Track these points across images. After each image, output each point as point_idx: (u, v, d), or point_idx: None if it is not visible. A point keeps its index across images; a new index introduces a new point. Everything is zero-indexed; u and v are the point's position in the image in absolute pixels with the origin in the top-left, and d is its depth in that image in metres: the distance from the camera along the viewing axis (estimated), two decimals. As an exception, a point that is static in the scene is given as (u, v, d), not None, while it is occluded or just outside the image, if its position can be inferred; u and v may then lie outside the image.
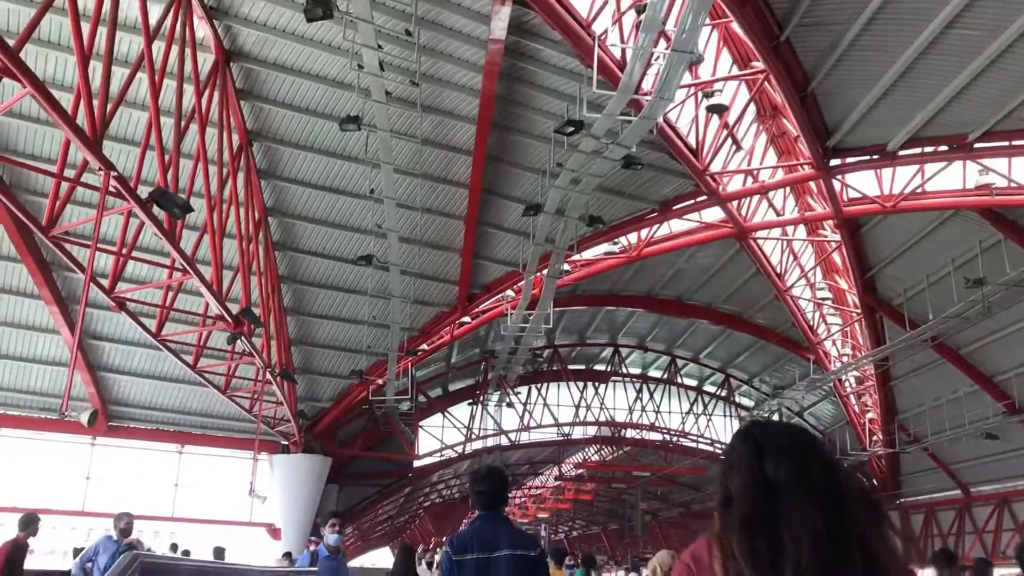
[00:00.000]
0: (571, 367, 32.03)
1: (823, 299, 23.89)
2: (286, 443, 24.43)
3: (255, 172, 16.63)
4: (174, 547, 13.61)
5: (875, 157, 16.48)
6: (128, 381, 22.15)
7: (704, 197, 18.81)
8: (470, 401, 31.14)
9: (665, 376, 33.04)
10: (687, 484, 40.05)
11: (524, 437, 32.08)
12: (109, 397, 22.38)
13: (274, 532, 24.84)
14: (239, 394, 18.74)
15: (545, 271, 19.41)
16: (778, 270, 23.05)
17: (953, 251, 19.38)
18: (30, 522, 9.64)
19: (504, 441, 31.79)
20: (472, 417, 30.85)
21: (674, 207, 19.42)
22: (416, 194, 18.00)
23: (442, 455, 30.56)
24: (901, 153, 16.32)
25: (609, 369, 32.51)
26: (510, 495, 48.54)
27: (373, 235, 18.55)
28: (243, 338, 13.45)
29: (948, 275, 19.54)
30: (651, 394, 33.23)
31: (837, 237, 20.86)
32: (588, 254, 21.89)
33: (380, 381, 23.26)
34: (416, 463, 30.19)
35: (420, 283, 20.76)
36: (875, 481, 32.54)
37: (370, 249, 18.44)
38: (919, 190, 17.80)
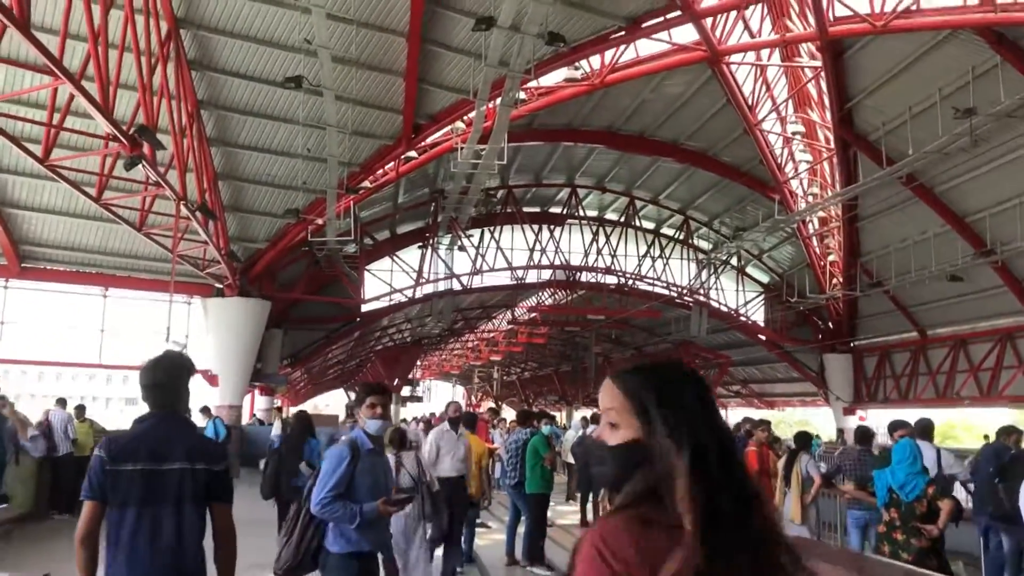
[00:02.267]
0: (526, 209, 30.52)
1: (795, 133, 22.38)
2: (221, 287, 22.84)
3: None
4: (61, 402, 12.28)
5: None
6: (39, 218, 20.13)
7: (677, 13, 16.79)
8: (420, 244, 29.65)
9: (622, 219, 31.74)
10: (640, 327, 39.69)
11: (477, 281, 30.87)
12: (20, 236, 20.41)
13: (211, 379, 23.66)
14: (158, 231, 16.90)
15: (499, 100, 17.49)
16: (749, 101, 21.35)
17: (942, 80, 17.83)
18: None
19: (456, 285, 30.58)
20: (422, 260, 29.47)
21: (643, 24, 17.31)
22: (350, 4, 15.71)
23: (391, 299, 29.33)
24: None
25: (565, 211, 31.07)
26: (460, 338, 48.52)
27: (303, 53, 16.36)
28: (145, 164, 11.54)
29: (934, 106, 18.07)
30: (607, 237, 32.03)
31: (816, 63, 19.09)
32: (546, 81, 19.89)
33: (320, 221, 21.55)
34: (364, 307, 28.97)
35: (359, 112, 18.72)
36: (831, 324, 32.35)
37: (300, 70, 16.30)
38: (914, 7, 15.99)
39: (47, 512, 12.42)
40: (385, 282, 28.97)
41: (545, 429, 10.25)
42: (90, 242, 21.17)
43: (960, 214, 22.12)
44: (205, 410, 15.30)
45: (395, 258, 28.95)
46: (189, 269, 21.25)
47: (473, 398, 68.78)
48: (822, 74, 19.88)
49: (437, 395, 79.71)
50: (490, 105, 18.53)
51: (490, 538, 11.29)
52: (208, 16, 15.84)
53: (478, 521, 10.99)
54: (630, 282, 32.11)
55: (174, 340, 16.15)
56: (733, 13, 18.23)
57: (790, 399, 40.13)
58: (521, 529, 9.87)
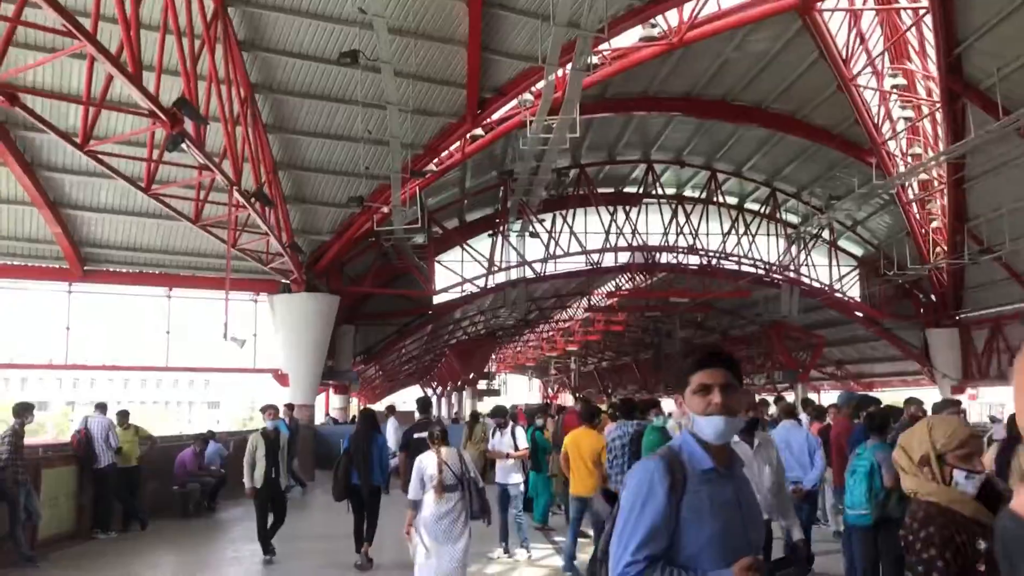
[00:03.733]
0: (599, 190, 28.99)
1: (894, 87, 20.33)
2: (287, 282, 21.98)
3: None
4: (101, 407, 11.15)
5: None
6: (99, 219, 19.51)
7: (764, -46, 15.09)
8: (490, 232, 28.42)
9: (703, 195, 29.93)
10: (725, 309, 37.74)
11: (550, 268, 29.53)
12: (80, 238, 19.83)
13: (281, 378, 22.89)
14: (215, 222, 15.97)
15: (569, 65, 16.07)
16: (843, 54, 19.43)
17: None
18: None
19: (528, 273, 29.26)
20: (493, 249, 28.24)
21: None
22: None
23: (463, 290, 28.20)
24: None
25: (641, 191, 29.44)
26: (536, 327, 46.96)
27: (358, 25, 15.26)
28: (189, 144, 10.51)
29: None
30: (687, 216, 30.28)
31: (920, 3, 17.10)
32: (620, 43, 18.38)
33: (385, 209, 20.49)
34: (435, 300, 27.93)
35: (420, 88, 17.56)
36: (933, 297, 30.02)
37: (355, 44, 15.19)
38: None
39: (89, 531, 11.15)
40: (456, 273, 27.85)
41: (657, 421, 8.87)
42: (151, 242, 20.50)
43: (1088, 167, 19.79)
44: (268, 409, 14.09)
45: (465, 247, 27.74)
46: (254, 265, 20.41)
47: (550, 390, 67.51)
48: (926, 17, 17.85)
49: (512, 389, 78.69)
50: (560, 73, 17.18)
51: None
52: (255, -10, 14.84)
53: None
54: (714, 261, 30.31)
55: (232, 337, 15.17)
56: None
57: (890, 379, 37.60)
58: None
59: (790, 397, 39.77)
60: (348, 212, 20.51)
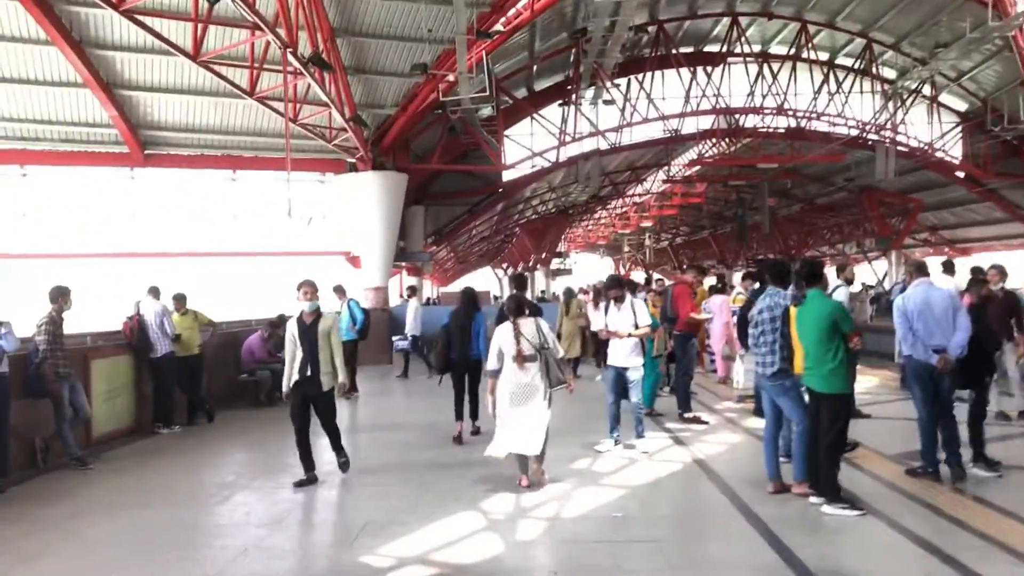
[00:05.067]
0: (679, 50, 26.84)
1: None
2: (353, 161, 20.99)
3: None
4: (154, 291, 10.24)
5: None
6: (156, 99, 18.68)
7: None
8: (561, 101, 26.75)
9: (791, 51, 27.54)
10: (814, 176, 35.57)
11: (625, 138, 27.85)
12: (138, 120, 19.08)
13: (353, 260, 22.24)
14: (272, 96, 14.90)
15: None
16: None
17: None
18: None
19: (602, 144, 27.66)
20: (564, 120, 26.63)
21: None
22: None
23: (533, 165, 26.84)
24: None
25: (724, 49, 27.17)
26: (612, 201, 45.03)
27: None
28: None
29: None
30: (774, 75, 27.98)
31: None
32: None
33: (451, 77, 19.08)
34: (505, 176, 26.70)
35: (486, -64, 15.86)
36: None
37: None
38: None
39: (151, 426, 10.32)
40: (525, 147, 26.44)
41: (841, 293, 7.43)
42: (211, 121, 19.65)
43: None
44: (339, 290, 13.28)
45: (536, 117, 26.19)
46: (318, 143, 19.50)
47: (623, 268, 66.37)
48: None
49: (584, 267, 77.76)
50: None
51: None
52: None
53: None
54: (803, 123, 28.17)
55: (300, 215, 14.31)
56: None
57: (991, 243, 35.28)
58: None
59: (882, 265, 37.96)
60: (412, 82, 19.23)
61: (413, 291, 19.29)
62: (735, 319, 10.17)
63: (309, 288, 7.31)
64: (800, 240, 44.38)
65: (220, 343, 12.63)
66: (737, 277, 24.63)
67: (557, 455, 7.65)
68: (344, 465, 7.63)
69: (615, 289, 8.45)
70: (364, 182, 20.86)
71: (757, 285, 9.65)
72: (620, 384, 8.39)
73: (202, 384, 11.19)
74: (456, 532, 5.78)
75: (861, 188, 33.50)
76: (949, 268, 10.65)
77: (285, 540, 5.90)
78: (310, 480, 7.29)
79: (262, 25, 10.99)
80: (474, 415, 9.48)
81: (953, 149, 29.55)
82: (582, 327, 14.02)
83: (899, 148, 28.36)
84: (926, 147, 28.85)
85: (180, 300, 10.90)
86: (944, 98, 29.26)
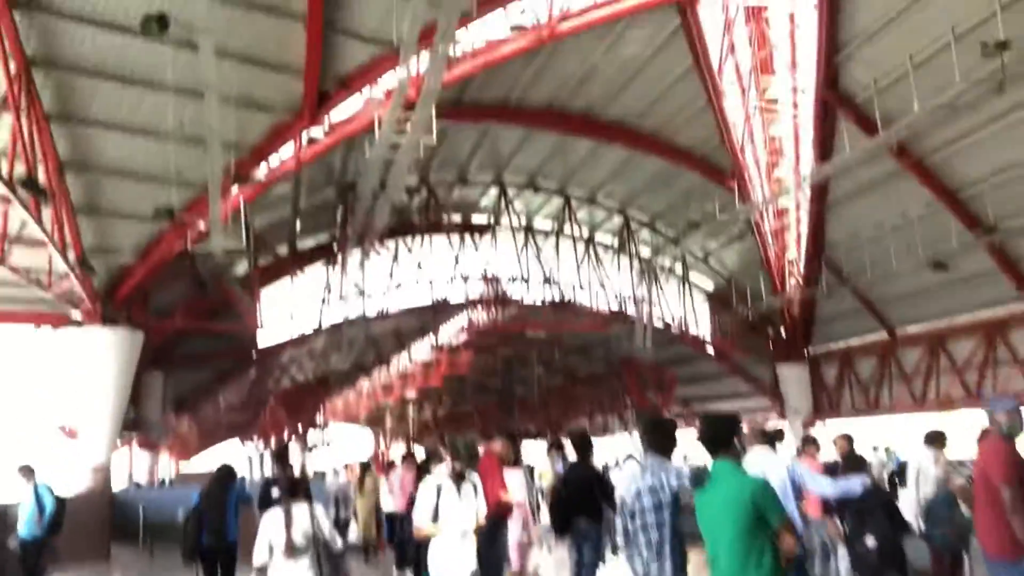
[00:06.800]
0: (448, 218, 26.59)
1: (768, 100, 19.32)
2: (77, 314, 17.95)
3: None
4: None
5: None
6: None
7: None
8: (325, 260, 25.31)
9: (556, 226, 28.22)
10: (575, 346, 36.07)
11: (391, 304, 26.74)
12: None
13: (69, 432, 18.71)
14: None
15: (426, 54, 13.63)
16: (715, 61, 18.17)
17: (957, 14, 14.93)
18: None
19: (367, 311, 26.30)
20: (328, 281, 25.14)
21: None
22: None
23: (291, 332, 24.86)
24: None
25: (492, 219, 27.27)
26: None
27: (167, -18, 12.21)
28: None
29: (946, 48, 15.14)
30: (538, 247, 28.45)
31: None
32: (485, 35, 16.19)
33: (202, 226, 17.10)
34: (260, 339, 24.39)
35: (247, 72, 14.60)
36: (783, 331, 29.54)
37: (164, 7, 12.07)
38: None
39: None
40: (284, 309, 24.50)
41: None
42: None
43: (953, 187, 19.37)
44: (25, 470, 10.14)
45: (297, 275, 24.48)
46: (33, 293, 16.51)
47: (384, 443, 63.77)
48: (804, 21, 16.86)
49: (344, 441, 74.09)
50: (415, 66, 14.65)
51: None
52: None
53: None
54: (567, 295, 28.55)
55: None
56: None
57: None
58: None
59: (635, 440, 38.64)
60: (155, 227, 16.91)
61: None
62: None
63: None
64: (562, 412, 44.66)
65: None
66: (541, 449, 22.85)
67: None
68: None
69: (452, 464, 6.44)
70: (90, 338, 17.82)
71: (573, 456, 7.83)
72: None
73: None
74: None
75: (623, 359, 34.29)
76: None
77: None
78: None
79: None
80: None
81: (702, 326, 31.12)
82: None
83: (655, 323, 29.36)
84: (678, 322, 30.13)
85: None
86: (694, 276, 31.03)
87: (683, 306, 30.39)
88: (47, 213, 12.78)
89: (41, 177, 12.88)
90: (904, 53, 15.98)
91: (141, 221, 16.79)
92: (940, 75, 15.10)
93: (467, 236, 27.36)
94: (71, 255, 14.94)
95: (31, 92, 13.18)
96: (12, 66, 12.35)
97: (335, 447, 51.64)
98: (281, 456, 7.77)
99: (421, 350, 38.36)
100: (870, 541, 6.72)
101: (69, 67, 13.64)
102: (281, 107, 15.62)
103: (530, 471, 10.38)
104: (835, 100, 18.28)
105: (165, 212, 15.70)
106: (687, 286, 30.37)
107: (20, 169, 12.00)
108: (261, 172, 17.22)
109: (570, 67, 18.59)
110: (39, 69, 13.45)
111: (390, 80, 15.76)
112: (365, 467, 14.10)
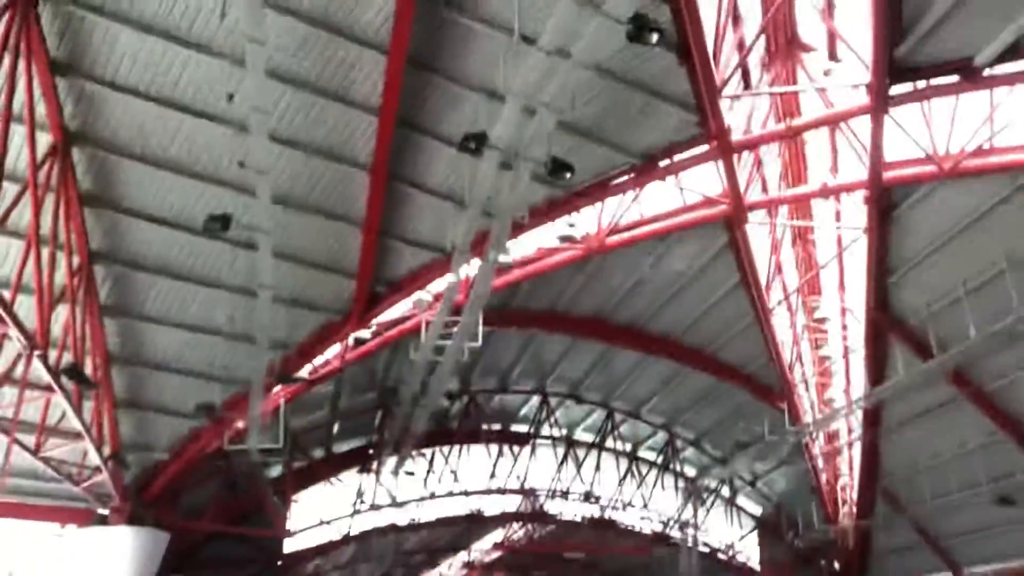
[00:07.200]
0: (486, 426, 26.05)
1: (817, 320, 19.13)
2: (104, 511, 17.34)
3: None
4: None
5: (957, 78, 11.80)
6: None
7: (703, 147, 13.75)
8: (360, 467, 24.68)
9: (598, 438, 27.49)
10: (614, 569, 34.02)
11: (424, 514, 25.84)
12: None
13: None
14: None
15: (477, 261, 13.85)
16: (763, 279, 18.19)
17: (1011, 241, 14.86)
18: None
19: (400, 520, 25.39)
20: (361, 489, 24.44)
21: (659, 163, 14.16)
22: (296, 120, 12.32)
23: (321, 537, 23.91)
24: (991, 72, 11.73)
25: (533, 429, 26.69)
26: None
27: (232, 188, 12.74)
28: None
29: (1000, 274, 14.97)
30: (579, 460, 27.61)
31: (859, 224, 16.09)
32: (535, 243, 16.53)
33: (240, 424, 16.89)
34: (287, 546, 23.42)
35: (301, 273, 14.84)
36: (836, 565, 27.62)
37: (227, 207, 12.47)
38: (986, 144, 13.28)
39: None
40: (316, 515, 23.67)
41: None
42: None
43: (1017, 417, 18.55)
44: None
45: (332, 482, 23.82)
46: (63, 488, 16.12)
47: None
48: (856, 243, 16.95)
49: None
50: (465, 271, 14.84)
51: None
52: (107, 129, 12.10)
53: None
54: (608, 513, 27.29)
55: None
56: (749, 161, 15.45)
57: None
58: None
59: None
60: (194, 423, 16.68)
61: None
62: None
63: None
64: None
65: None
66: None
67: None
68: None
69: None
70: (114, 540, 17.07)
71: None
72: None
73: None
74: None
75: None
76: None
77: None
78: None
79: (5, 317, 8.76)
80: None
81: (751, 552, 29.37)
82: None
83: (700, 548, 27.79)
84: (726, 549, 28.48)
85: None
86: (741, 500, 29.65)
87: (730, 531, 28.86)
88: (88, 405, 12.63)
89: (87, 368, 12.92)
90: (957, 277, 15.88)
91: (180, 417, 16.63)
92: (996, 300, 14.87)
93: (505, 446, 26.68)
94: (106, 449, 14.67)
95: (90, 285, 13.50)
96: (76, 260, 12.75)
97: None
98: None
99: (453, 567, 36.60)
100: None
101: (128, 262, 14.00)
102: (331, 307, 15.77)
103: None
104: (886, 322, 18.01)
105: (206, 408, 15.57)
106: (734, 509, 28.97)
107: (66, 358, 12.05)
108: (304, 371, 17.13)
109: (617, 279, 18.75)
110: (100, 263, 13.83)
111: (439, 284, 15.96)
112: None
